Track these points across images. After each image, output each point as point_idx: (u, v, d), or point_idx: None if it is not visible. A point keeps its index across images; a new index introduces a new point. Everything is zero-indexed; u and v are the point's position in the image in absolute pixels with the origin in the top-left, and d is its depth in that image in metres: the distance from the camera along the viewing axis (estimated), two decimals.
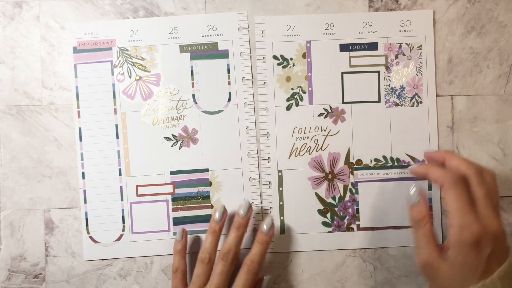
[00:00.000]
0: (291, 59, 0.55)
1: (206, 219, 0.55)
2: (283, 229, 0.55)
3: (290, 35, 0.55)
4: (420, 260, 0.42)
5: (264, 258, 0.50)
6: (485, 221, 0.40)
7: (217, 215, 0.50)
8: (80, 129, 0.54)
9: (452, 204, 0.40)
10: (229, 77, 0.55)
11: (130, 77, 0.55)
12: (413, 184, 0.46)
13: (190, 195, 0.55)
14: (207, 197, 0.55)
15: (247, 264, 0.48)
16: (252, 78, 0.55)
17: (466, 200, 0.40)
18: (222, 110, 0.55)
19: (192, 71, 0.55)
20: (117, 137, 0.55)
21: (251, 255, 0.49)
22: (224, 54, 0.55)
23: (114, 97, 0.55)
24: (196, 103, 0.55)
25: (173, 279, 0.50)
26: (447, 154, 0.45)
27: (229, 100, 0.55)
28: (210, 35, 0.55)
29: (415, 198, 0.45)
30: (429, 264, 0.41)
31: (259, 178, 0.55)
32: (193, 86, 0.55)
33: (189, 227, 0.55)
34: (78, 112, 0.54)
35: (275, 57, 0.55)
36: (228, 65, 0.55)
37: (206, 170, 0.55)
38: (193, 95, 0.55)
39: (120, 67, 0.55)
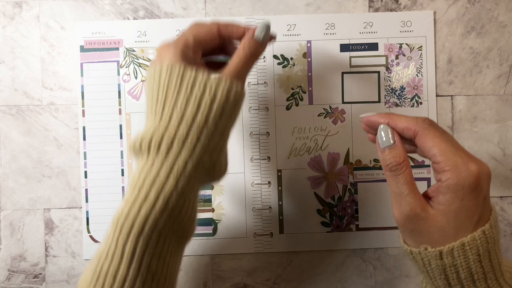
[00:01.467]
0: (292, 58, 0.55)
1: (207, 222, 0.55)
2: (282, 229, 0.55)
3: (290, 35, 0.55)
4: (403, 211, 0.35)
5: (248, 68, 0.40)
6: (476, 160, 0.35)
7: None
8: (84, 128, 0.54)
9: (437, 147, 0.35)
10: None
11: (136, 77, 0.55)
12: (381, 125, 0.38)
13: None
14: (208, 200, 0.55)
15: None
16: (257, 83, 0.55)
17: (449, 141, 0.35)
18: None
19: None
20: (121, 138, 0.55)
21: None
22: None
23: (119, 97, 0.55)
24: None
25: None
26: (389, 115, 0.38)
27: None
28: None
29: (389, 139, 0.37)
30: (416, 215, 0.35)
31: (261, 181, 0.55)
32: None
33: None
34: (83, 111, 0.54)
35: (275, 57, 0.55)
36: None
37: None
38: None
39: (126, 67, 0.55)
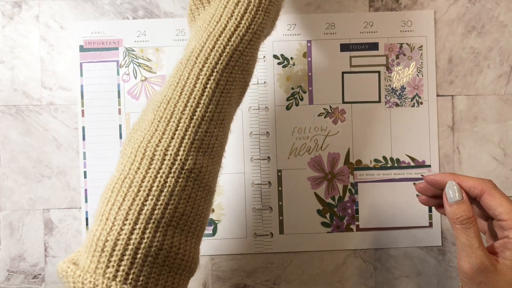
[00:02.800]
0: (292, 58, 0.55)
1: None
2: (283, 229, 0.55)
3: (290, 35, 0.55)
4: (474, 263, 0.37)
5: None
6: None
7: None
8: (83, 128, 0.54)
9: (504, 206, 0.37)
10: None
11: (135, 77, 0.55)
12: (449, 182, 0.40)
13: None
14: None
15: None
16: (258, 83, 0.55)
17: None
18: None
19: None
20: (120, 138, 0.54)
21: None
22: None
23: (119, 97, 0.54)
24: None
25: None
26: (454, 174, 0.41)
27: None
28: None
29: (458, 194, 0.39)
30: (485, 268, 0.37)
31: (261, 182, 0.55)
32: None
33: None
34: (82, 111, 0.54)
35: (275, 57, 0.55)
36: None
37: None
38: None
39: (126, 67, 0.54)
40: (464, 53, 0.55)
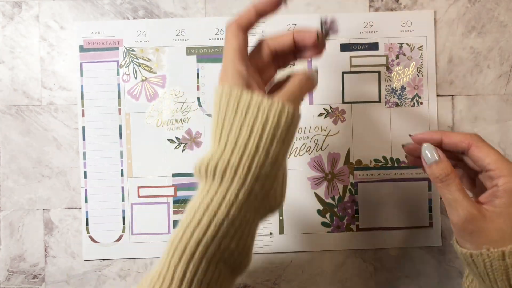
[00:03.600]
0: None
1: None
2: (283, 229, 0.55)
3: None
4: (461, 214, 0.38)
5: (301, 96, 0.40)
6: None
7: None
8: (83, 128, 0.54)
9: (492, 157, 0.38)
10: None
11: (135, 77, 0.55)
12: (424, 144, 0.41)
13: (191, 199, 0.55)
14: None
15: None
16: None
17: (499, 153, 0.39)
18: None
19: (198, 74, 0.55)
20: (121, 138, 0.54)
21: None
22: None
23: (119, 97, 0.55)
24: (201, 106, 0.55)
25: None
26: (442, 132, 0.42)
27: None
28: (218, 39, 0.54)
29: (434, 155, 0.40)
30: (474, 216, 0.37)
31: None
32: (198, 89, 0.55)
33: None
34: (82, 111, 0.54)
35: None
36: None
37: None
38: (198, 98, 0.55)
39: (126, 67, 0.54)
40: (464, 53, 0.55)
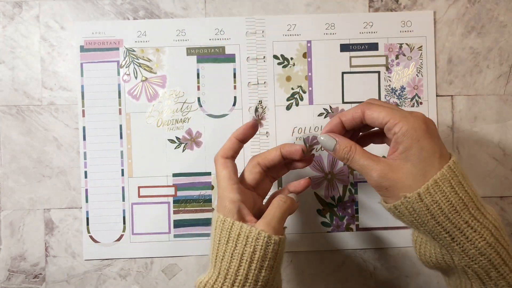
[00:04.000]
0: (292, 58, 0.55)
1: (207, 222, 0.55)
2: None
3: (290, 35, 0.55)
4: (374, 177, 0.39)
5: (226, 146, 0.45)
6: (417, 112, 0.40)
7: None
8: (84, 128, 0.54)
9: (383, 112, 0.39)
10: (235, 82, 0.55)
11: (136, 78, 0.55)
12: (319, 137, 0.43)
13: (191, 198, 0.55)
14: (208, 200, 0.55)
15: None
16: (258, 83, 0.55)
17: (390, 106, 0.41)
18: (226, 114, 0.55)
19: (198, 74, 0.55)
20: (121, 138, 0.55)
21: None
22: (231, 58, 0.55)
23: (120, 97, 0.55)
24: (201, 106, 0.55)
25: None
26: (338, 114, 0.43)
27: (234, 104, 0.55)
28: (218, 39, 0.55)
29: (330, 141, 0.42)
30: (385, 174, 0.39)
31: None
32: (198, 89, 0.55)
33: (190, 230, 0.55)
34: (83, 111, 0.54)
35: (275, 57, 0.55)
36: (234, 69, 0.55)
37: (209, 173, 0.55)
38: (198, 98, 0.55)
39: (126, 67, 0.55)
40: (464, 53, 0.55)
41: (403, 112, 0.39)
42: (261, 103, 0.50)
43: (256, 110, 0.50)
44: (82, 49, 0.54)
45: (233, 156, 0.45)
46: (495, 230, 0.36)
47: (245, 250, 0.39)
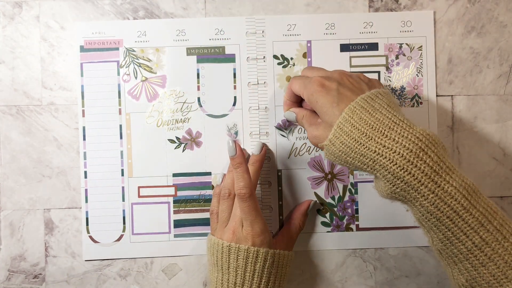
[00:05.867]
0: (292, 58, 0.55)
1: (207, 222, 0.55)
2: None
3: (290, 35, 0.55)
4: (309, 137, 0.46)
5: (257, 177, 0.50)
6: (325, 74, 0.46)
7: (232, 152, 0.50)
8: (84, 128, 0.54)
9: (293, 82, 0.48)
10: (235, 82, 0.55)
11: (136, 78, 0.55)
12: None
13: (192, 198, 0.55)
14: (208, 200, 0.55)
15: (236, 193, 0.48)
16: (258, 83, 0.55)
17: (302, 75, 0.49)
18: (226, 114, 0.55)
19: (198, 74, 0.55)
20: (121, 138, 0.55)
21: (235, 184, 0.48)
22: (231, 58, 0.55)
23: (119, 97, 0.55)
24: (201, 106, 0.55)
25: (211, 220, 0.52)
26: (285, 96, 0.52)
27: (234, 104, 0.55)
28: (218, 39, 0.55)
29: (292, 115, 0.50)
30: (313, 135, 0.45)
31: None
32: (198, 89, 0.55)
33: (190, 230, 0.55)
34: (83, 111, 0.54)
35: (275, 57, 0.55)
36: (234, 69, 0.55)
37: (209, 173, 0.55)
38: (198, 98, 0.55)
39: (126, 67, 0.55)
40: (464, 53, 0.55)
41: (305, 81, 0.46)
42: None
43: (229, 129, 0.55)
44: (82, 49, 0.54)
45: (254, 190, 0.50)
46: (408, 153, 0.37)
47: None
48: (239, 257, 0.46)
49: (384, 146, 0.38)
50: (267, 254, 0.46)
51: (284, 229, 0.53)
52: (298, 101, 0.50)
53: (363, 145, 0.39)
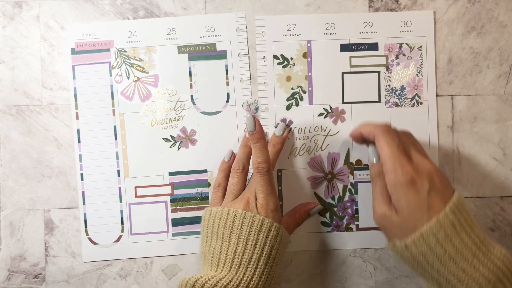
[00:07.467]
0: (292, 58, 0.55)
1: None
2: None
3: (290, 35, 0.55)
4: (376, 213, 0.44)
5: (276, 158, 0.50)
6: (416, 161, 0.42)
7: (252, 127, 0.48)
8: (78, 130, 0.54)
9: (385, 150, 0.42)
10: (227, 78, 0.55)
11: (128, 78, 0.55)
12: (369, 145, 0.47)
13: (189, 196, 0.55)
14: (205, 198, 0.55)
15: (254, 167, 0.47)
16: (251, 78, 0.55)
17: (397, 145, 0.42)
18: (220, 111, 0.55)
19: (190, 72, 0.55)
20: (116, 138, 0.55)
21: (253, 158, 0.48)
22: (222, 55, 0.55)
23: (113, 98, 0.55)
24: (195, 104, 0.55)
25: (214, 193, 0.52)
26: (360, 126, 0.47)
27: (227, 101, 0.55)
28: (208, 36, 0.55)
29: (374, 156, 0.45)
30: (383, 215, 0.43)
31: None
32: (191, 87, 0.55)
33: (188, 228, 0.55)
34: (77, 113, 0.54)
35: (275, 57, 0.55)
36: (226, 66, 0.55)
37: (205, 171, 0.55)
38: (192, 96, 0.55)
39: (118, 68, 0.55)
40: (464, 53, 0.55)
41: (396, 160, 0.41)
42: (255, 102, 0.52)
43: (249, 105, 0.53)
44: (74, 51, 0.54)
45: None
46: (487, 284, 0.37)
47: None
48: (243, 224, 0.45)
49: (464, 271, 0.38)
50: (271, 225, 0.45)
51: (286, 216, 0.53)
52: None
53: (443, 264, 0.38)
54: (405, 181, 0.40)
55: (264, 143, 0.48)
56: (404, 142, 0.44)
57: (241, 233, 0.45)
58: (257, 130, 0.48)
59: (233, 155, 0.54)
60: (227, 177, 0.52)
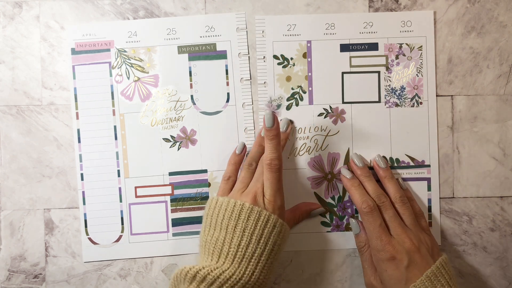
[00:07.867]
0: (292, 58, 0.55)
1: None
2: None
3: (290, 35, 0.55)
4: (366, 282, 0.51)
5: (280, 151, 0.49)
6: (397, 239, 0.48)
7: (270, 123, 0.48)
8: (78, 130, 0.54)
9: (368, 229, 0.49)
10: (227, 78, 0.55)
11: (128, 78, 0.55)
12: (351, 220, 0.53)
13: (189, 196, 0.55)
14: (205, 198, 0.55)
15: (266, 163, 0.48)
16: (251, 78, 0.55)
17: (379, 225, 0.48)
18: (220, 111, 0.55)
19: (190, 72, 0.55)
20: (116, 138, 0.55)
21: (266, 154, 0.48)
22: (222, 55, 0.55)
23: (113, 98, 0.55)
24: (195, 104, 0.55)
25: (223, 184, 0.52)
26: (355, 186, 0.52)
27: (227, 101, 0.55)
28: (208, 36, 0.55)
29: (357, 228, 0.52)
30: (371, 285, 0.50)
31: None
32: (191, 87, 0.55)
33: (188, 228, 0.55)
34: (77, 113, 0.54)
35: (275, 57, 0.55)
36: (226, 65, 0.55)
37: (205, 171, 0.55)
38: (192, 96, 0.55)
39: (118, 68, 0.55)
40: (464, 53, 0.55)
41: (378, 240, 0.48)
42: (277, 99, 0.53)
43: (271, 101, 0.53)
44: (74, 51, 0.54)
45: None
46: None
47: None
48: (249, 218, 0.45)
49: None
50: (276, 221, 0.45)
51: (287, 212, 0.53)
52: None
53: None
54: (385, 258, 0.47)
55: (279, 141, 0.48)
56: (390, 216, 0.49)
57: (247, 226, 0.45)
58: (275, 127, 0.48)
59: (244, 149, 0.54)
60: (237, 171, 0.53)
